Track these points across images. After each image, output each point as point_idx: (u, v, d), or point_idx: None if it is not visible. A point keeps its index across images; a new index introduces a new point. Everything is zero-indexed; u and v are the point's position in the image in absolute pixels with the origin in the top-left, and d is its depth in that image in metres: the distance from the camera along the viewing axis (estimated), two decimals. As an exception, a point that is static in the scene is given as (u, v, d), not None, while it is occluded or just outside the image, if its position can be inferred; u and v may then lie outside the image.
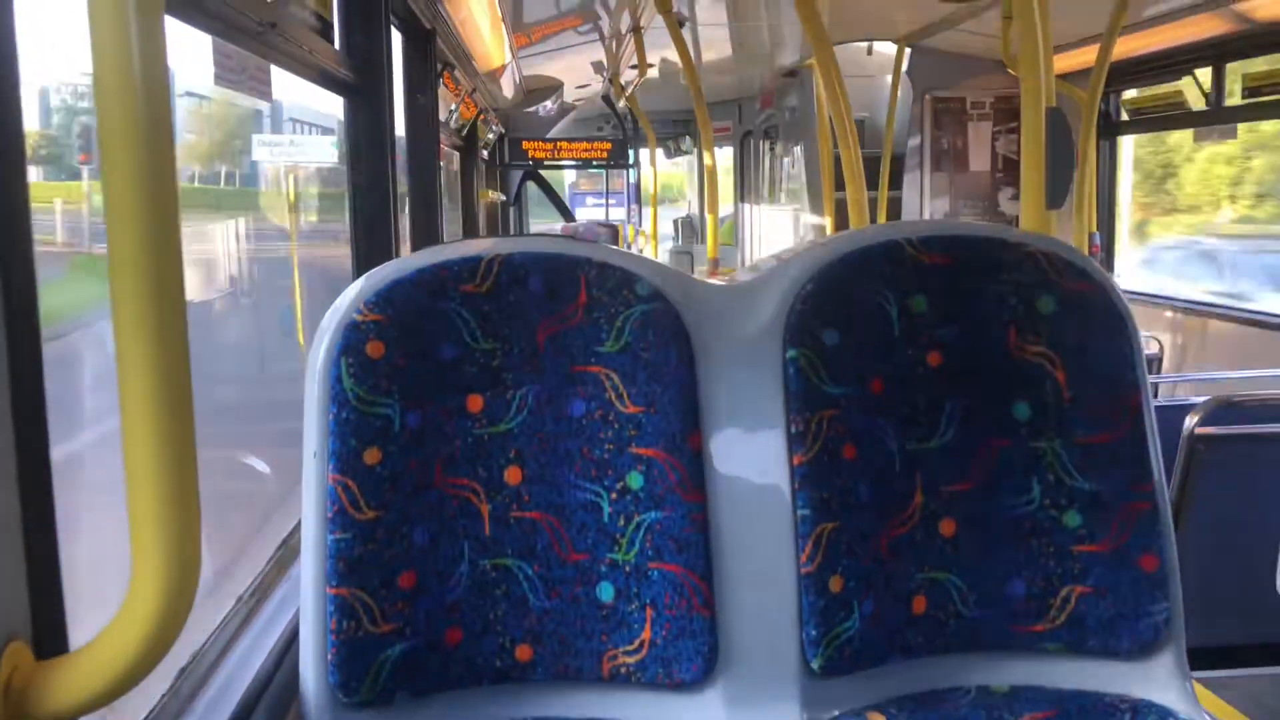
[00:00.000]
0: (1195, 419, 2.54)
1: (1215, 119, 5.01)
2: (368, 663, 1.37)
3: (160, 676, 1.17)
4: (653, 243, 10.08)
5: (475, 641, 1.44)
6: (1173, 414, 2.53)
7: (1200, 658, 1.58)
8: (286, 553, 1.72)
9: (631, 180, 11.71)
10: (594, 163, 10.62)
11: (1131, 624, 1.49)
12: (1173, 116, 5.40)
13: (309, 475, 1.40)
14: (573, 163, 10.62)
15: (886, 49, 6.71)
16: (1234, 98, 4.86)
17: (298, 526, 1.45)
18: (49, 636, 0.84)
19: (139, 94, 0.72)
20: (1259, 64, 4.64)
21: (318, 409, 1.39)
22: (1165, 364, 4.99)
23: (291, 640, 1.44)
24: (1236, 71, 4.81)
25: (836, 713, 1.47)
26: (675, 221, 13.62)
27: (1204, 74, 4.99)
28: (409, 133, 3.23)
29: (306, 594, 1.38)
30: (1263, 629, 2.49)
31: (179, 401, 0.75)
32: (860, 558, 1.48)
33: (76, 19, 0.73)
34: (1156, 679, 1.50)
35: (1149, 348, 4.94)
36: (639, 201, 11.52)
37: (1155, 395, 2.32)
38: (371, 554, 1.38)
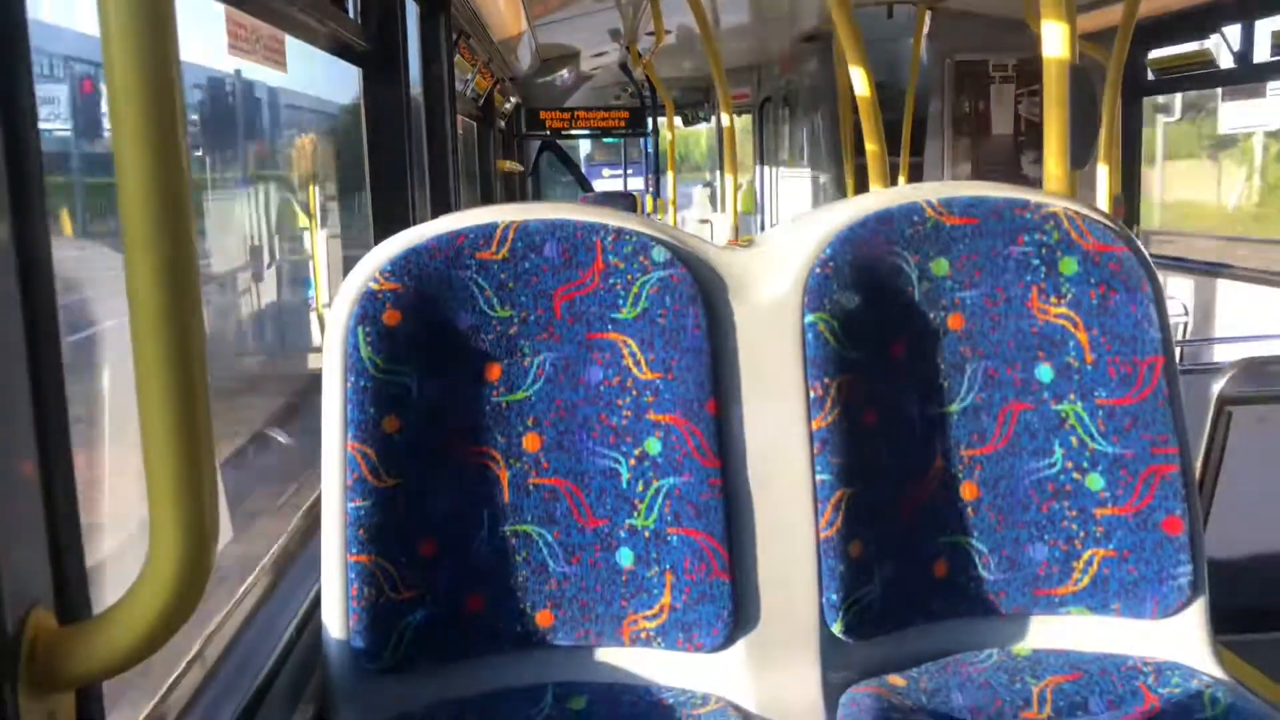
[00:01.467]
0: (1222, 382, 2.51)
1: (1243, 77, 4.92)
2: (389, 629, 1.38)
3: (185, 643, 1.19)
4: (671, 210, 10.04)
5: (496, 607, 1.45)
6: (1200, 378, 2.50)
7: (1226, 620, 1.57)
8: (308, 521, 1.73)
9: (649, 149, 11.64)
10: (612, 131, 10.57)
11: (1155, 587, 1.48)
12: (1200, 75, 5.30)
13: (329, 444, 1.40)
14: (590, 131, 10.57)
15: (907, 11, 6.62)
16: (1263, 55, 4.77)
17: (319, 496, 1.46)
18: (71, 602, 0.85)
19: (150, 63, 0.71)
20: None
21: (336, 378, 1.40)
22: (1191, 328, 4.93)
23: (314, 608, 1.45)
24: (1266, 28, 4.71)
25: (857, 676, 1.47)
26: (693, 191, 13.58)
27: (1232, 31, 4.89)
28: (425, 102, 3.22)
29: (328, 562, 1.39)
30: None
31: (194, 364, 0.74)
32: (880, 522, 1.47)
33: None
34: (1180, 641, 1.50)
35: (1176, 311, 4.89)
36: (656, 170, 11.45)
37: (1181, 359, 2.30)
38: (391, 522, 1.39)
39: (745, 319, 1.49)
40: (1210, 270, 5.10)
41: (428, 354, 1.43)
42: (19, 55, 0.81)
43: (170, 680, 1.19)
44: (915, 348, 1.52)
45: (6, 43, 0.80)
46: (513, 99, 9.64)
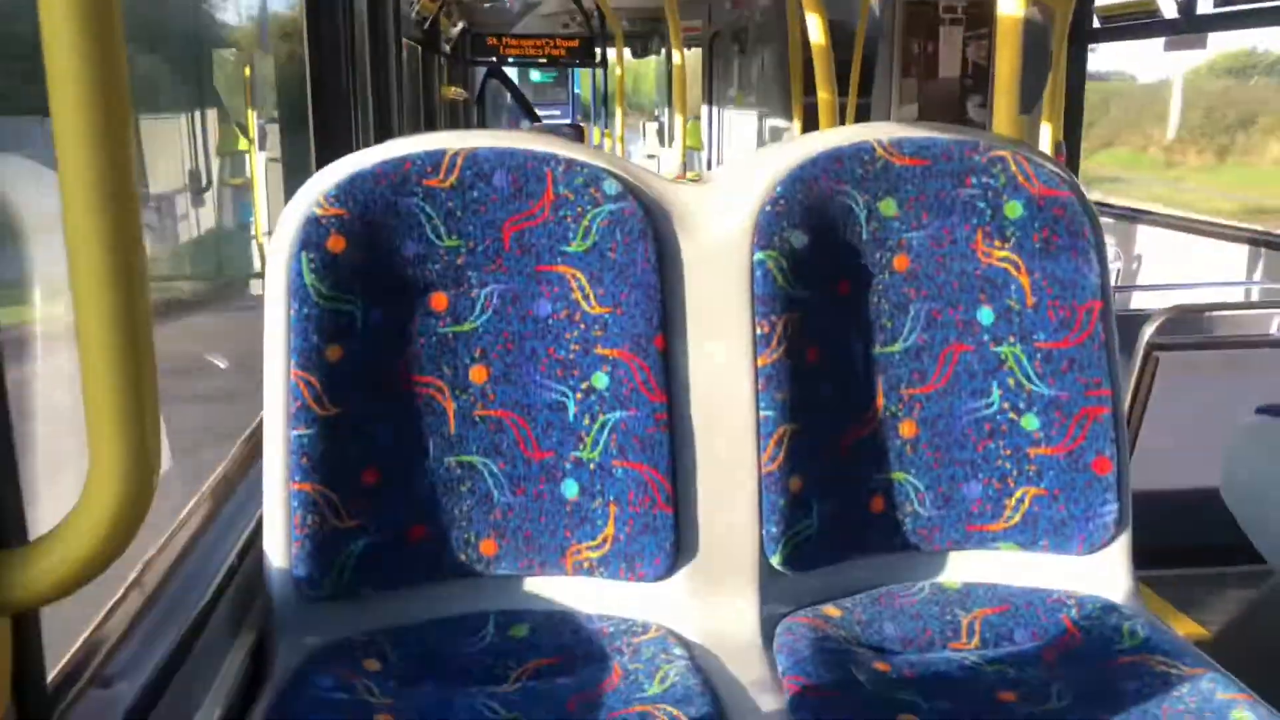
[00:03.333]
0: (1152, 327, 2.58)
1: (1188, 28, 4.97)
2: (332, 557, 1.38)
3: (124, 568, 1.17)
4: (620, 145, 9.94)
5: (440, 536, 1.45)
6: (1132, 322, 2.56)
7: (1147, 557, 1.63)
8: (249, 448, 1.71)
9: (575, 91, 11.42)
10: (559, 61, 10.39)
11: (1082, 524, 1.53)
12: (1144, 25, 5.35)
13: (271, 371, 1.38)
14: (538, 58, 10.38)
15: (860, -52, 6.56)
16: (1206, 7, 4.82)
17: (259, 423, 1.44)
18: (6, 528, 0.83)
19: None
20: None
21: (280, 305, 1.37)
22: (1124, 274, 5.05)
23: (255, 535, 1.44)
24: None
25: (793, 606, 1.51)
26: (643, 125, 13.45)
27: (1178, -19, 4.93)
28: (368, 23, 3.13)
29: (270, 489, 1.38)
30: (1205, 532, 2.57)
31: (134, 284, 0.72)
32: (820, 458, 1.50)
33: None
34: (1103, 576, 1.55)
35: (1112, 259, 4.98)
36: (606, 101, 11.29)
37: (1116, 305, 2.36)
38: (335, 450, 1.38)
39: (694, 255, 1.49)
40: (1146, 219, 5.21)
41: (372, 282, 1.41)
42: None
43: (108, 606, 1.18)
44: (861, 287, 1.54)
45: None
46: (459, 24, 9.41)
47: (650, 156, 10.79)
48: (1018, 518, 1.54)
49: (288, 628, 1.40)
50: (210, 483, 1.56)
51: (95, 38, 0.68)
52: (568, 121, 12.13)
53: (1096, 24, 5.82)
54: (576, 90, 11.81)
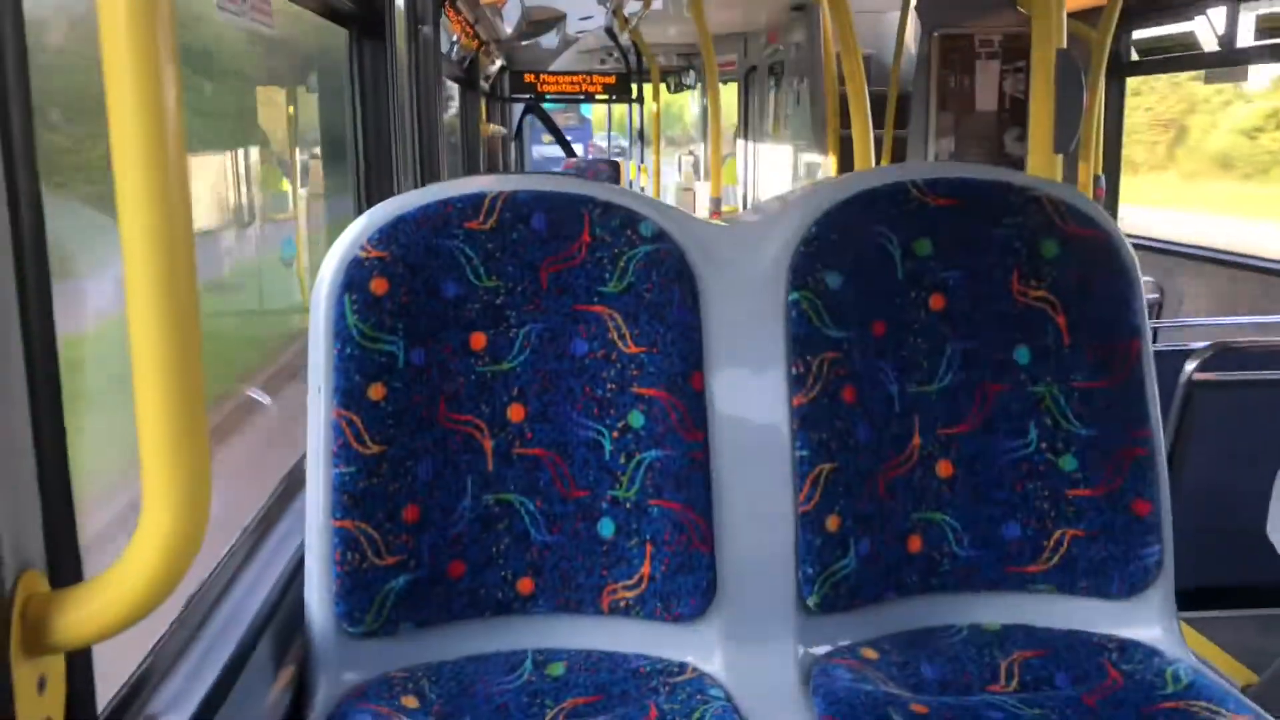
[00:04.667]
0: (1193, 365, 2.55)
1: (1227, 60, 4.94)
2: (372, 594, 1.40)
3: (170, 605, 1.20)
4: (654, 181, 10.00)
5: (478, 574, 1.47)
6: (1172, 359, 2.54)
7: (1190, 599, 1.61)
8: (290, 485, 1.74)
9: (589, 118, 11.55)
10: (596, 96, 10.50)
11: (1122, 566, 1.51)
12: (1184, 58, 5.32)
13: (314, 409, 1.41)
14: (577, 96, 10.50)
15: (895, -17, 6.59)
16: (1247, 40, 4.79)
17: (302, 459, 1.46)
18: (63, 566, 0.86)
19: (144, 20, 0.71)
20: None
21: (322, 345, 1.40)
22: (1165, 310, 4.98)
23: (296, 572, 1.46)
24: (1250, 12, 4.73)
25: (831, 648, 1.50)
26: (679, 159, 13.57)
27: (1217, 14, 4.91)
28: (411, 65, 3.20)
29: (311, 526, 1.41)
30: (1251, 572, 2.53)
31: (188, 332, 0.75)
32: (857, 498, 1.50)
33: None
34: (1144, 619, 1.53)
35: (1150, 293, 4.94)
36: (642, 136, 11.39)
37: (1155, 340, 2.33)
38: (376, 488, 1.40)
39: (729, 295, 1.50)
40: (1187, 253, 5.15)
41: (413, 323, 1.43)
42: (15, 46, 0.80)
43: (154, 643, 1.20)
44: (896, 327, 1.54)
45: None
46: (497, 61, 9.55)
47: (686, 189, 10.85)
48: (1056, 559, 1.53)
49: (327, 663, 1.41)
50: (253, 518, 1.59)
51: (154, 86, 0.71)
52: (581, 145, 12.27)
53: (1135, 57, 5.80)
54: (586, 114, 12.01)
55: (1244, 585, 2.69)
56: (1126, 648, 1.48)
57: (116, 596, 0.78)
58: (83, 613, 0.79)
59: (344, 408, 1.39)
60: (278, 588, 1.44)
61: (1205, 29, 5.02)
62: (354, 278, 1.40)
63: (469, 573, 1.46)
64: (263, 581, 1.45)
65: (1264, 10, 4.62)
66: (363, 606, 1.40)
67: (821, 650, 1.50)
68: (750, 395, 1.49)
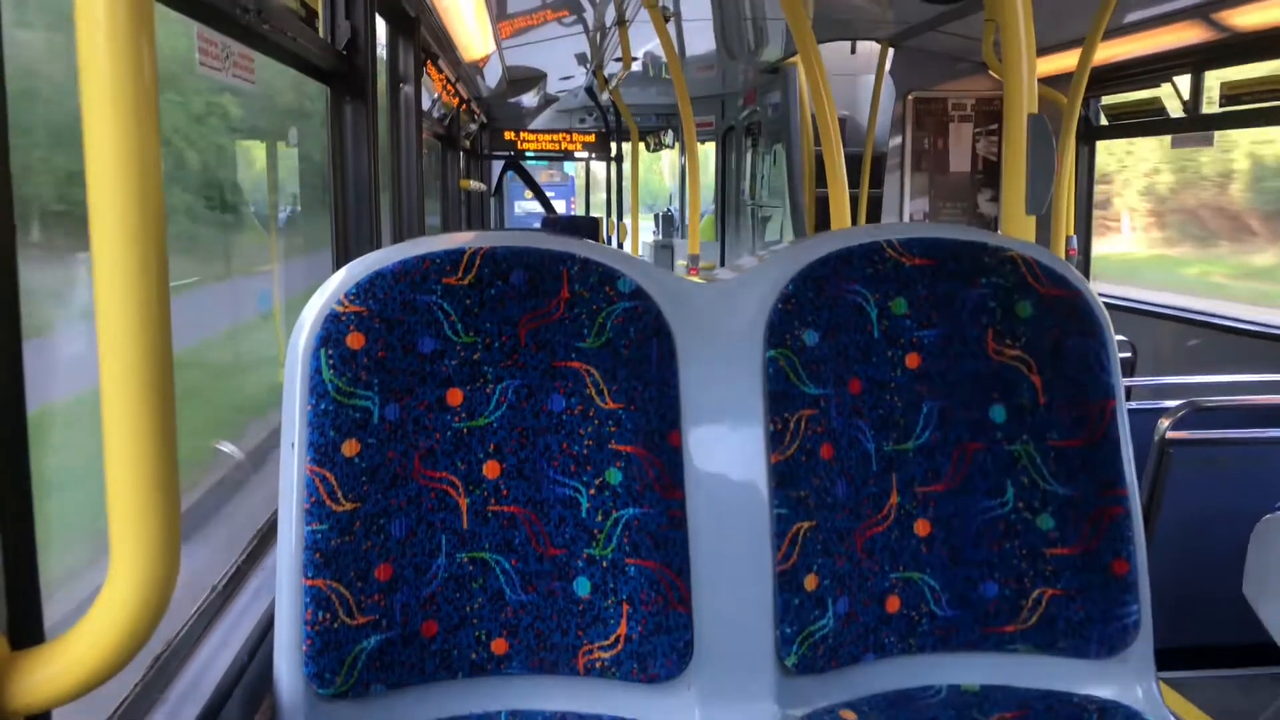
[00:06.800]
0: (1167, 423, 2.57)
1: (1193, 126, 5.06)
2: (343, 654, 1.37)
3: (134, 666, 1.17)
4: (633, 238, 10.06)
5: (451, 634, 1.44)
6: (1145, 418, 2.56)
7: (1168, 659, 1.60)
8: (261, 543, 1.71)
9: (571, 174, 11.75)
10: (576, 154, 10.61)
11: (1101, 626, 1.50)
12: (1151, 123, 5.44)
13: (286, 466, 1.39)
14: (555, 154, 10.61)
15: (870, 47, 6.73)
16: (1212, 106, 4.91)
17: (273, 517, 1.44)
18: (24, 627, 0.83)
19: (127, 77, 0.71)
20: (1236, 72, 4.69)
21: (297, 400, 1.39)
22: (1138, 368, 5.03)
23: (266, 631, 1.44)
24: (1215, 78, 4.86)
25: (810, 710, 1.48)
26: (656, 216, 13.73)
27: (1183, 81, 5.04)
28: (392, 122, 3.22)
29: (282, 585, 1.38)
30: (1229, 631, 2.52)
31: (160, 391, 0.74)
32: (835, 557, 1.49)
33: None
34: (1124, 680, 1.53)
35: (1123, 352, 4.99)
36: (620, 194, 11.51)
37: (1129, 399, 2.35)
38: (348, 546, 1.38)
39: (707, 352, 1.50)
40: (1159, 313, 5.22)
41: (389, 378, 1.42)
42: None
43: (118, 704, 1.17)
44: (873, 385, 1.55)
45: None
46: (478, 118, 9.64)
47: (664, 247, 10.93)
48: (1035, 619, 1.52)
49: None
50: (222, 577, 1.56)
51: (135, 135, 0.71)
52: (550, 195, 12.43)
53: (1104, 121, 5.93)
54: (570, 173, 12.24)
55: (1221, 645, 2.69)
56: (1107, 709, 1.47)
57: (79, 658, 0.76)
58: (43, 675, 0.77)
59: (317, 464, 1.37)
60: (247, 648, 1.41)
61: (1171, 95, 5.15)
62: (330, 332, 1.39)
63: (442, 633, 1.44)
64: (231, 641, 1.42)
65: (1229, 78, 4.74)
66: (333, 667, 1.37)
67: (800, 712, 1.48)
68: (728, 452, 1.49)
